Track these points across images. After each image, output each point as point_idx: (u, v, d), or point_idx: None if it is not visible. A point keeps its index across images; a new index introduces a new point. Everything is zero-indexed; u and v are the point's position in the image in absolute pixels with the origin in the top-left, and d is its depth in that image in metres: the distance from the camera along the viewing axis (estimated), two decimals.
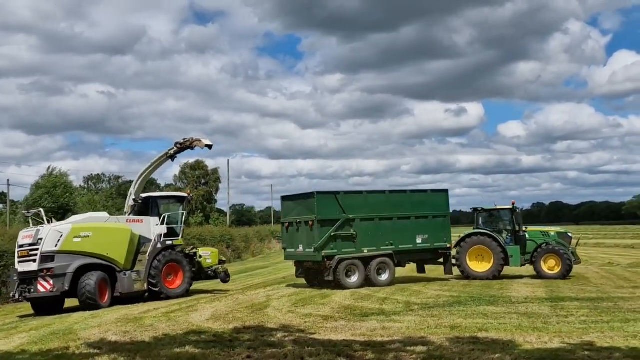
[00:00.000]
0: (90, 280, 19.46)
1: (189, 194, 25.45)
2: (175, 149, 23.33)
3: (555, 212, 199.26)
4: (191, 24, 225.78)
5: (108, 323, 16.06)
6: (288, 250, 25.05)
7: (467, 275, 24.73)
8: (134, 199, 23.10)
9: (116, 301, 20.82)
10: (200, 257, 23.44)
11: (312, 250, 22.72)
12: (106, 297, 20.17)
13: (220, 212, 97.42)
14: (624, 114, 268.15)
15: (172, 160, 23.90)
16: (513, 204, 25.58)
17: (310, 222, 22.84)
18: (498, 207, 26.18)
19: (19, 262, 20.06)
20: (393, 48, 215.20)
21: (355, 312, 16.51)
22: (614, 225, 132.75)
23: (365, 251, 23.40)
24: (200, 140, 23.19)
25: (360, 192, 25.56)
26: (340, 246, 23.04)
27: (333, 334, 13.03)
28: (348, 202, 23.69)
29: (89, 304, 19.28)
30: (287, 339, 12.62)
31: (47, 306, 19.75)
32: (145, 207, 22.82)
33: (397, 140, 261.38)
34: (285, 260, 27.48)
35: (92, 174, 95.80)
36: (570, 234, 26.30)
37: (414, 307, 17.15)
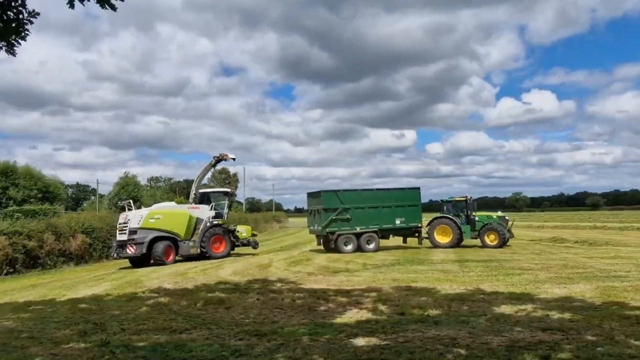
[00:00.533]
0: (159, 247, 20.44)
1: (231, 190, 25.90)
2: (214, 160, 24.17)
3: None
4: (220, 76, 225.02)
5: (164, 276, 16.02)
6: (310, 227, 25.77)
7: (435, 245, 24.45)
8: (194, 194, 23.66)
9: (178, 261, 21.54)
10: (238, 231, 23.88)
11: (321, 228, 23.68)
12: (171, 258, 20.92)
13: (239, 203, 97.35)
14: (506, 139, 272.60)
15: (214, 168, 24.27)
16: (466, 197, 25.23)
17: (319, 210, 23.99)
18: (457, 198, 25.59)
19: (118, 233, 21.20)
20: (356, 93, 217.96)
21: (329, 270, 16.60)
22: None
23: (358, 229, 23.81)
24: (227, 155, 24.06)
25: (355, 190, 25.69)
26: (339, 225, 23.71)
27: (315, 284, 13.12)
28: (345, 197, 24.24)
29: (159, 262, 20.27)
30: (283, 287, 12.69)
31: (138, 262, 20.64)
32: (202, 199, 23.43)
33: (358, 154, 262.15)
34: (283, 235, 27.53)
35: (152, 176, 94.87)
36: (507, 217, 25.70)
37: (368, 266, 17.27)
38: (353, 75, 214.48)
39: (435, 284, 12.43)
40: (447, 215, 24.88)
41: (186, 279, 15.18)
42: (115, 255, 21.09)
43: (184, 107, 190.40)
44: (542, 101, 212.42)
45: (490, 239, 23.86)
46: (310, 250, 25.25)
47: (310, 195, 25.83)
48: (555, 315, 8.47)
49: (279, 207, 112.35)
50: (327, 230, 23.61)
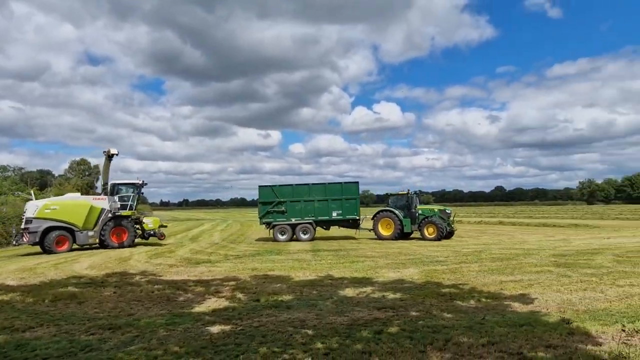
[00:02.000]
0: (51, 236, 20.20)
1: (141, 182, 23.55)
2: (106, 155, 22.18)
3: None
4: (85, 64, 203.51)
5: (7, 272, 13.96)
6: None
7: (379, 237, 24.08)
8: (103, 185, 22.87)
9: (76, 249, 21.23)
10: (143, 223, 23.19)
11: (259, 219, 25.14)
12: (64, 247, 20.50)
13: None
14: (359, 143, 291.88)
15: (111, 160, 22.35)
16: (408, 191, 24.67)
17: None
18: (399, 192, 25.03)
19: (20, 222, 20.97)
20: (227, 92, 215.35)
21: (191, 261, 16.05)
22: None
23: (293, 220, 24.31)
24: (110, 150, 22.15)
25: (290, 185, 25.32)
26: (275, 217, 24.46)
27: (175, 276, 12.59)
28: (280, 191, 24.67)
29: (49, 251, 20.05)
30: (142, 280, 11.94)
31: (44, 250, 20.37)
32: (112, 190, 22.43)
33: (226, 151, 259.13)
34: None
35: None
36: (448, 210, 24.97)
37: (230, 257, 17.08)
38: (224, 75, 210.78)
39: (290, 272, 12.75)
40: (390, 209, 24.46)
41: (34, 274, 13.44)
42: (14, 243, 20.96)
43: (41, 93, 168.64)
44: (389, 112, 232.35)
45: (429, 231, 23.18)
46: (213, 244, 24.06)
47: (261, 187, 25.67)
48: (389, 295, 9.28)
49: (144, 201, 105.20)
50: (264, 221, 24.69)
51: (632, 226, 33.55)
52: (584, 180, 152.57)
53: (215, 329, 6.96)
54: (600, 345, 5.84)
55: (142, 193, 24.44)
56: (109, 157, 22.18)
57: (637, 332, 6.41)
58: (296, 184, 25.42)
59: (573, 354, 5.51)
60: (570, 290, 9.47)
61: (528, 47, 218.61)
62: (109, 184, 22.67)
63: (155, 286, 10.75)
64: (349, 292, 9.70)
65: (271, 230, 24.44)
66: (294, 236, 24.18)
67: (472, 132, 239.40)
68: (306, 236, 24.18)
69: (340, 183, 25.34)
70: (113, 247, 21.17)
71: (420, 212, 24.15)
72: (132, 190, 23.07)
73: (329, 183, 25.47)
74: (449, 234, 23.91)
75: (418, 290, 9.76)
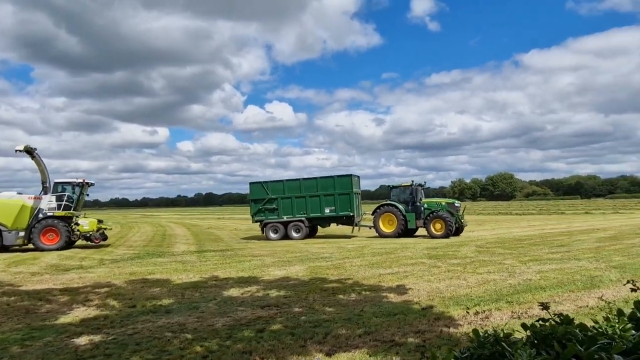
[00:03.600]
0: None
1: (83, 180, 21.60)
2: (23, 153, 20.68)
3: (209, 199, 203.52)
4: None
5: None
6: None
7: (380, 235, 22.09)
8: (46, 184, 21.22)
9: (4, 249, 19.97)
10: (78, 224, 21.04)
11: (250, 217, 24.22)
12: None
13: None
14: (251, 142, 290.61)
15: (33, 156, 20.91)
16: (412, 182, 22.70)
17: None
18: (402, 184, 23.01)
19: None
20: (108, 84, 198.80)
21: (59, 268, 14.48)
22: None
23: (285, 218, 23.22)
24: (16, 147, 20.53)
25: (281, 181, 23.93)
26: (266, 214, 23.47)
27: (38, 285, 11.24)
28: (271, 188, 23.61)
29: None
30: None
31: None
32: (53, 189, 21.08)
33: (107, 148, 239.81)
34: None
35: None
36: (457, 204, 22.90)
37: (105, 262, 15.76)
38: (105, 65, 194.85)
39: (172, 274, 12.15)
40: (392, 203, 22.37)
41: None
42: None
43: None
44: (282, 111, 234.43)
45: (437, 227, 20.99)
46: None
47: (252, 184, 24.64)
48: (274, 293, 9.30)
49: None
50: (256, 219, 23.78)
51: (492, 220, 37.91)
52: (455, 179, 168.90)
53: (82, 340, 6.34)
54: (460, 327, 6.47)
55: (87, 194, 22.71)
56: (29, 153, 20.60)
57: (490, 312, 7.24)
58: (287, 179, 24.02)
59: (438, 336, 6.02)
60: (439, 279, 10.37)
61: (410, 56, 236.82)
62: (53, 182, 21.29)
63: (12, 298, 9.50)
64: (234, 292, 9.53)
65: (261, 229, 23.61)
66: (287, 234, 23.13)
67: (360, 133, 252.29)
68: (298, 234, 22.96)
69: (333, 177, 23.55)
70: (43, 249, 19.62)
71: (425, 205, 22.13)
72: (72, 189, 21.47)
73: (320, 177, 23.84)
74: (457, 230, 21.76)
75: (303, 286, 9.93)
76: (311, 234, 24.00)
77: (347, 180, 23.14)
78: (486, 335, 1.67)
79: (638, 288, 2.53)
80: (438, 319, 6.97)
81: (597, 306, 7.12)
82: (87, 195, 23.01)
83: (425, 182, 23.91)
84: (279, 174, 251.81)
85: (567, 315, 1.87)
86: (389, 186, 23.89)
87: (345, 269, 12.34)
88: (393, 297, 8.63)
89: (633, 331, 1.68)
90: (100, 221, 22.25)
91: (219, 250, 18.35)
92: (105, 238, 22.05)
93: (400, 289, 9.35)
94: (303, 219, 23.10)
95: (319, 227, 24.80)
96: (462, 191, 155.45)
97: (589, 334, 1.58)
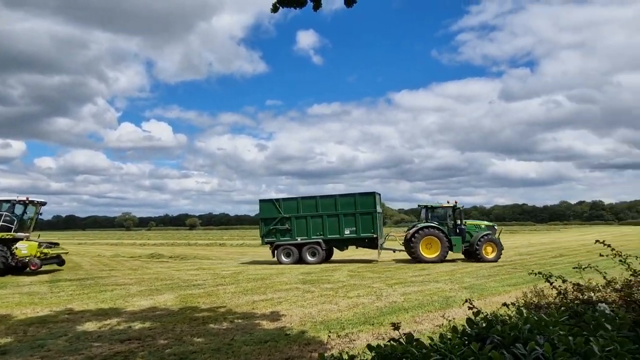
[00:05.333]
0: None
1: (26, 199, 19.16)
2: None
3: (69, 221, 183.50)
4: None
5: None
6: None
7: (420, 260, 19.82)
8: None
9: None
10: (17, 248, 18.46)
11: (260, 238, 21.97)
12: None
13: None
14: (124, 161, 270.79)
15: None
16: (455, 202, 20.76)
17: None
18: (444, 204, 20.90)
19: None
20: None
21: None
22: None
23: (299, 239, 21.12)
24: None
25: (295, 198, 21.79)
26: (279, 236, 21.43)
27: None
28: (284, 205, 21.52)
29: None
30: None
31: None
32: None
33: None
34: None
35: None
36: (495, 226, 21.63)
37: None
38: None
39: (14, 309, 10.57)
40: (434, 225, 20.32)
41: None
42: None
43: None
44: (160, 131, 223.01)
45: (488, 251, 19.87)
46: None
47: (262, 201, 22.29)
48: (137, 325, 8.60)
49: None
50: (266, 240, 21.59)
51: None
52: None
53: None
54: (329, 351, 6.62)
55: (40, 213, 20.15)
56: None
57: (357, 335, 7.54)
58: (302, 197, 21.87)
59: None
60: (312, 304, 10.55)
61: (294, 86, 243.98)
62: None
63: None
64: (90, 326, 8.60)
65: (272, 252, 21.44)
66: (301, 258, 20.96)
67: (242, 157, 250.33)
68: (314, 258, 20.83)
69: (354, 194, 21.40)
70: None
71: (466, 228, 20.91)
72: (8, 207, 18.97)
73: (340, 195, 21.57)
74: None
75: (171, 317, 9.35)
76: (327, 257, 21.94)
77: (371, 198, 21.24)
78: (332, 358, 1.73)
79: (474, 307, 2.85)
80: (308, 344, 7.05)
81: (447, 325, 7.85)
82: (40, 214, 20.25)
83: (462, 205, 21.71)
84: (154, 197, 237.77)
85: (410, 334, 2.03)
86: (425, 206, 21.55)
87: (218, 296, 11.94)
88: (265, 324, 8.54)
89: (463, 347, 1.88)
90: (51, 244, 20.14)
91: (76, 280, 16.49)
92: (60, 263, 20.13)
93: (274, 316, 9.31)
94: (320, 240, 21.06)
95: (335, 249, 22.65)
96: None
97: (424, 351, 1.73)
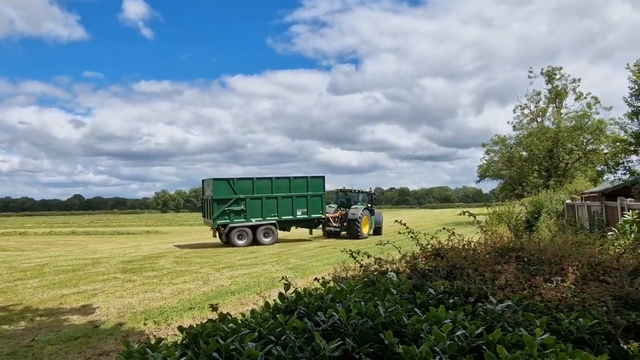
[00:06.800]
0: None
1: None
2: None
3: None
4: None
5: None
6: (204, 219, 22.45)
7: (361, 237, 22.55)
8: None
9: None
10: None
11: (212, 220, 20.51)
12: None
13: None
14: None
15: None
16: (370, 188, 25.32)
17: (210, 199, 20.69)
18: (366, 190, 25.20)
19: None
20: None
21: None
22: None
23: (253, 221, 20.74)
24: None
25: (251, 178, 21.12)
26: (232, 217, 20.50)
27: None
28: (239, 186, 20.67)
29: None
30: None
31: None
32: None
33: None
34: None
35: None
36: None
37: None
38: None
39: None
40: (368, 206, 24.25)
41: None
42: None
43: None
44: None
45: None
46: None
47: (205, 182, 22.05)
48: None
49: None
50: (219, 222, 20.29)
51: (193, 231, 39.00)
52: (159, 191, 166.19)
53: None
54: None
55: None
56: None
57: (182, 321, 7.38)
58: (257, 178, 21.31)
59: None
60: (133, 294, 9.94)
61: (118, 59, 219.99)
62: None
63: None
64: None
65: (224, 234, 20.43)
66: (255, 240, 20.67)
67: (52, 134, 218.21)
68: (268, 239, 20.91)
69: (306, 177, 22.18)
70: None
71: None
72: None
73: (294, 177, 21.97)
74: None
75: None
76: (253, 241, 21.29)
77: (321, 181, 22.48)
78: (139, 343, 1.69)
79: (289, 283, 3.04)
80: (127, 335, 6.65)
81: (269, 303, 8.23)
82: None
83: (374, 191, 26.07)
84: None
85: (222, 313, 2.09)
86: (351, 190, 25.07)
87: (16, 292, 10.37)
88: (76, 320, 7.76)
89: (272, 320, 2.02)
90: None
91: None
92: None
93: (86, 309, 8.51)
94: (274, 221, 21.12)
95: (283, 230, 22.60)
96: (166, 202, 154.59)
97: (234, 327, 1.82)
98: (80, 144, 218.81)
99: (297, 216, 21.84)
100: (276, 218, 21.35)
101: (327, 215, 22.91)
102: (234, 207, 20.59)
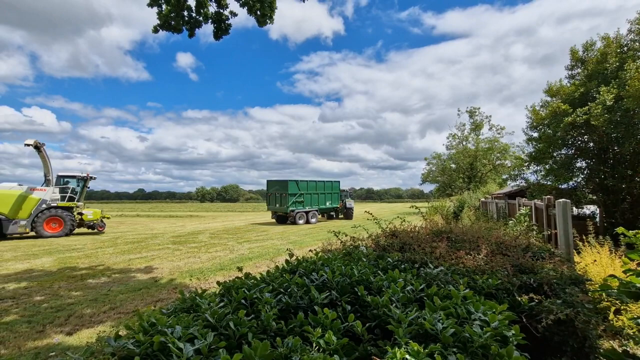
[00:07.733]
0: None
1: (87, 175, 15.91)
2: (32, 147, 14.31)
3: None
4: None
5: None
6: (270, 207, 22.56)
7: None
8: (48, 177, 15.15)
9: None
10: (82, 214, 15.86)
11: (285, 207, 21.16)
12: None
13: None
14: (1, 141, 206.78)
15: (40, 151, 14.53)
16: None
17: (284, 194, 21.35)
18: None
19: None
20: None
21: None
22: None
23: (307, 208, 22.08)
24: (26, 142, 14.28)
25: (306, 181, 22.33)
26: (296, 205, 21.53)
27: None
28: (302, 185, 21.97)
29: None
30: None
31: None
32: (56, 181, 15.53)
33: None
34: None
35: None
36: None
37: None
38: None
39: None
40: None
41: None
42: None
43: None
44: (43, 117, 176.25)
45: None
46: None
47: (271, 182, 22.52)
48: (11, 286, 6.82)
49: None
50: (290, 208, 21.31)
51: (223, 216, 38.60)
52: (199, 187, 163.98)
53: None
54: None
55: (89, 187, 16.40)
56: (36, 148, 14.39)
57: (215, 278, 7.32)
58: (310, 180, 22.78)
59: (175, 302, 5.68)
60: (180, 258, 9.82)
61: (172, 94, 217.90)
62: (57, 175, 15.66)
63: None
64: None
65: (292, 217, 21.26)
66: (307, 220, 21.70)
67: (124, 146, 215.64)
68: (313, 220, 22.18)
69: (331, 181, 24.06)
70: (46, 237, 14.46)
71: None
72: (76, 182, 16.07)
73: (326, 181, 23.79)
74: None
75: (48, 277, 7.65)
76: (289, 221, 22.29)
77: (337, 184, 24.38)
78: (190, 293, 1.70)
79: (292, 254, 3.04)
80: (176, 288, 6.58)
81: (279, 266, 8.21)
82: (89, 188, 16.64)
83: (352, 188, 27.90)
84: (32, 174, 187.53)
85: (247, 273, 2.10)
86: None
87: (97, 257, 10.19)
88: (140, 276, 7.65)
89: (281, 278, 2.05)
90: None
91: None
92: (103, 227, 16.97)
93: (147, 269, 8.39)
94: (317, 209, 22.90)
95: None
96: (204, 195, 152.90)
97: (254, 282, 1.84)
98: (144, 153, 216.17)
99: (327, 205, 23.81)
100: (317, 207, 23.20)
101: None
102: (298, 199, 22.17)
